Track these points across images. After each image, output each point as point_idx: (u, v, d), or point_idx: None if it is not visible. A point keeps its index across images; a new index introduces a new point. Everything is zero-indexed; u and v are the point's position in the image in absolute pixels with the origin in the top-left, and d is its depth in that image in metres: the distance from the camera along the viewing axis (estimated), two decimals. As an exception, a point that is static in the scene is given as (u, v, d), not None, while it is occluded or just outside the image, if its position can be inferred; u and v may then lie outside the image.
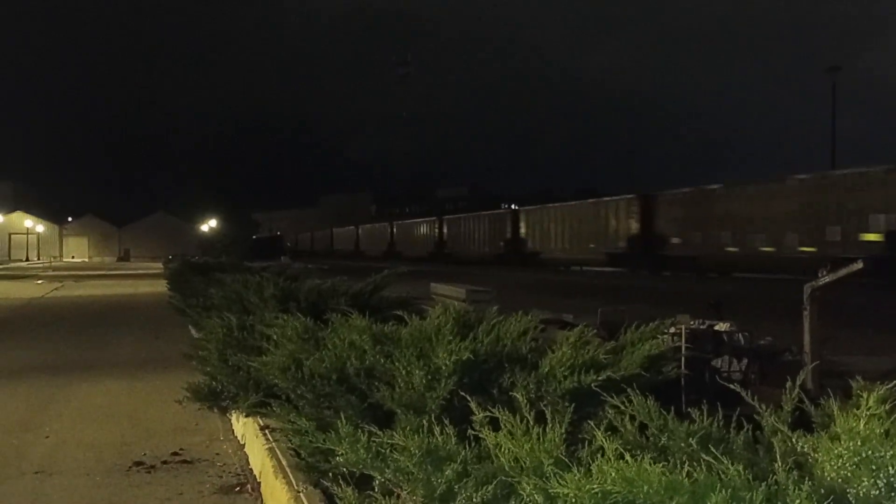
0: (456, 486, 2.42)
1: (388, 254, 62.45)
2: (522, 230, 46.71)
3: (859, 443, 1.97)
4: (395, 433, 2.72)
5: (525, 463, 2.34)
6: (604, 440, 2.27)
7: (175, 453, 5.51)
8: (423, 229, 61.96)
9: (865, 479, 1.91)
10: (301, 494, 3.71)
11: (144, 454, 5.49)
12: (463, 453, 2.52)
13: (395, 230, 67.49)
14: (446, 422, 2.76)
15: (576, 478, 2.04)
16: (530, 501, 2.14)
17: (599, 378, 3.24)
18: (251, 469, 5.07)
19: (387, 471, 2.61)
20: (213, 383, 5.74)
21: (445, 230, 58.02)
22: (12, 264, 65.77)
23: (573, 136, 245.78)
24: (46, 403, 7.48)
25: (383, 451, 2.69)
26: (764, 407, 2.44)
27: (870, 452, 1.94)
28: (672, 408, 2.61)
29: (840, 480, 1.96)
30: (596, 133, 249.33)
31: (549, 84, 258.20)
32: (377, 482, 2.72)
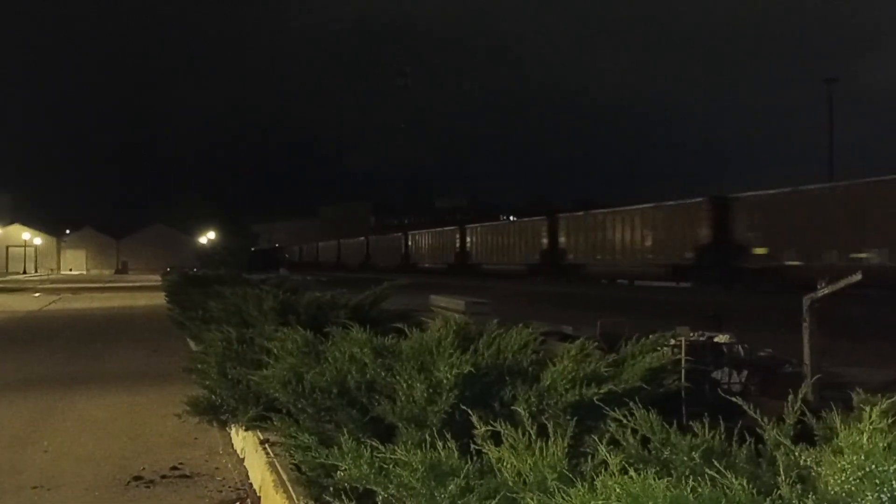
0: (459, 502, 2.41)
1: (364, 265, 68.34)
2: (469, 243, 52.64)
3: (863, 457, 1.96)
4: (396, 448, 2.71)
5: (528, 478, 2.33)
6: (607, 454, 2.26)
7: (174, 468, 5.50)
8: (392, 243, 67.59)
9: (869, 494, 1.90)
10: (302, 509, 3.68)
11: (143, 468, 5.47)
12: (466, 468, 2.51)
13: (370, 243, 73.51)
14: (448, 436, 2.74)
15: (580, 493, 2.03)
16: (534, 517, 2.13)
17: (601, 391, 3.22)
18: (251, 483, 5.05)
19: (390, 486, 2.59)
20: (213, 397, 5.72)
21: (410, 243, 63.45)
22: (10, 277, 65.69)
23: (575, 146, 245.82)
24: (44, 417, 7.45)
25: (386, 466, 2.67)
26: (766, 420, 2.43)
27: (873, 467, 1.93)
28: (674, 421, 2.60)
29: (844, 495, 1.95)
30: (598, 142, 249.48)
31: (550, 94, 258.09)
32: (380, 497, 2.71)
